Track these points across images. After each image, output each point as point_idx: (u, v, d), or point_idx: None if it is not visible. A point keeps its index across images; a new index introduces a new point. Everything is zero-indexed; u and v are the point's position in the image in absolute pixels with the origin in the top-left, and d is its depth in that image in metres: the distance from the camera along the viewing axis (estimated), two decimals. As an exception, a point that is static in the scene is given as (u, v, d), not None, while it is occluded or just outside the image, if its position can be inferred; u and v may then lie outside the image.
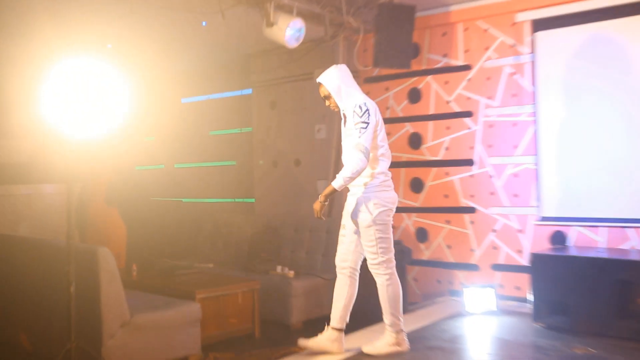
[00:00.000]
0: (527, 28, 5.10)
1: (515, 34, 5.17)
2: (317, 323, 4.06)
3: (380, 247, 3.64)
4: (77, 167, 3.44)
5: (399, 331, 3.73)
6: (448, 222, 5.53)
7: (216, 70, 7.31)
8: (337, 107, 3.79)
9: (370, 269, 3.72)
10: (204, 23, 5.21)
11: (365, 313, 4.17)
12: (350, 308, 3.81)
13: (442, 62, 5.59)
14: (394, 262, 3.71)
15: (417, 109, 5.74)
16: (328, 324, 3.82)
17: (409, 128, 5.80)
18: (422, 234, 5.69)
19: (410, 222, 5.76)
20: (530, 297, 4.53)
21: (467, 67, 5.44)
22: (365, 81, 6.07)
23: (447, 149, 5.55)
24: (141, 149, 8.04)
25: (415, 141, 5.75)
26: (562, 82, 4.95)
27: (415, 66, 5.64)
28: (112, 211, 6.01)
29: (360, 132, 3.56)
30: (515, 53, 5.17)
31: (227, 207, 7.26)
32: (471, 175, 5.40)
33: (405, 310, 4.87)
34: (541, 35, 5.04)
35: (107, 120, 3.32)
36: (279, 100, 6.56)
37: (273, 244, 5.77)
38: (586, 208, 4.81)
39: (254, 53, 6.65)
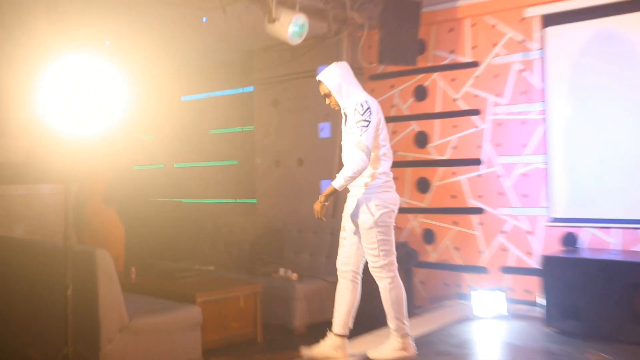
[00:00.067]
0: (537, 23, 5.07)
1: (524, 30, 5.14)
2: (321, 327, 4.04)
3: (382, 250, 3.61)
4: (75, 166, 3.43)
5: (404, 335, 3.70)
6: (455, 223, 5.50)
7: (217, 68, 7.30)
8: (338, 105, 3.77)
9: (371, 273, 3.69)
10: (204, 19, 5.20)
11: (370, 316, 4.15)
12: (354, 314, 3.78)
13: (449, 59, 5.56)
14: (396, 265, 3.68)
15: (423, 107, 5.71)
16: (330, 330, 3.79)
17: (414, 127, 5.77)
18: (428, 236, 5.67)
19: (417, 223, 5.74)
20: (541, 300, 4.50)
21: (474, 64, 5.42)
22: (369, 78, 6.05)
23: (454, 148, 5.53)
24: (140, 148, 8.02)
25: (422, 140, 5.72)
26: (573, 79, 4.92)
27: (421, 63, 5.62)
28: (110, 212, 6.01)
29: (361, 130, 3.53)
30: (524, 49, 5.14)
31: (228, 207, 7.25)
32: (479, 175, 5.38)
33: (412, 314, 4.85)
34: (551, 30, 5.01)
35: (105, 119, 3.31)
36: (281, 98, 6.54)
37: (275, 245, 5.75)
38: (598, 208, 4.78)
39: (255, 50, 6.64)
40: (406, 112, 5.83)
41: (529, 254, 5.08)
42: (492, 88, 5.31)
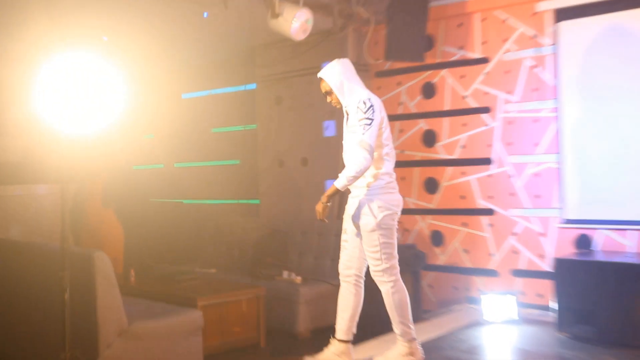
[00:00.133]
0: (549, 18, 5.06)
1: (536, 24, 5.13)
2: (327, 332, 4.04)
3: (384, 253, 3.61)
4: (72, 166, 3.44)
5: (411, 340, 3.70)
6: (465, 224, 5.50)
7: (218, 64, 7.31)
8: (339, 103, 3.77)
9: (373, 277, 3.68)
10: (205, 14, 5.21)
11: (376, 321, 4.14)
12: (357, 318, 3.78)
13: (458, 55, 5.56)
14: (397, 269, 3.68)
15: (432, 105, 5.71)
16: (333, 337, 3.79)
17: (422, 125, 5.77)
18: (437, 238, 5.67)
19: (425, 224, 5.74)
20: (554, 305, 4.49)
21: (484, 60, 5.41)
22: (376, 75, 6.06)
23: (463, 147, 5.53)
24: (139, 147, 8.05)
25: (430, 139, 5.72)
26: (587, 75, 4.91)
27: (429, 59, 5.62)
28: (108, 213, 6.03)
29: (364, 128, 3.53)
30: (536, 45, 5.13)
31: (230, 208, 7.27)
32: (489, 175, 5.37)
33: (420, 319, 4.87)
34: (564, 25, 5.00)
35: (103, 117, 3.32)
36: (285, 96, 6.55)
37: (279, 248, 5.76)
38: (613, 209, 4.77)
39: (258, 46, 6.65)
40: (414, 110, 5.83)
41: (541, 256, 5.07)
42: (502, 85, 5.31)
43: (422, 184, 5.76)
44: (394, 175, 3.73)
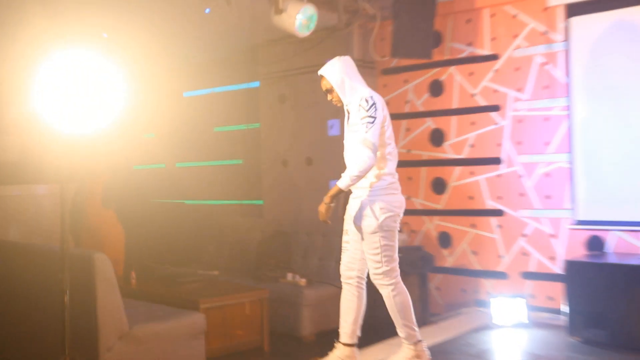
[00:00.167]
0: (561, 13, 5.05)
1: (547, 20, 5.12)
2: (331, 335, 4.04)
3: (384, 256, 3.60)
4: (72, 166, 3.45)
5: (417, 342, 3.69)
6: (473, 226, 5.49)
7: (221, 62, 7.32)
8: (340, 101, 3.76)
9: (372, 280, 3.67)
10: (207, 10, 5.22)
11: (382, 324, 4.14)
12: (361, 321, 3.77)
13: (467, 52, 5.55)
14: (398, 271, 3.66)
15: (439, 103, 5.71)
16: (338, 341, 3.79)
17: (430, 123, 5.77)
18: (445, 239, 5.66)
19: (432, 226, 5.73)
20: (565, 308, 4.49)
21: (494, 57, 5.40)
22: (382, 73, 6.05)
23: (472, 146, 5.52)
24: (140, 146, 8.07)
25: (438, 138, 5.71)
26: (599, 72, 4.89)
27: (437, 56, 5.61)
28: (109, 214, 6.03)
29: (367, 127, 3.52)
30: (547, 41, 5.12)
31: (233, 209, 7.27)
32: (498, 175, 5.36)
33: (427, 322, 4.87)
34: (576, 21, 4.98)
35: (103, 116, 3.33)
36: (289, 94, 6.55)
37: (283, 249, 5.76)
38: (626, 210, 4.75)
39: (261, 43, 6.65)
40: (421, 108, 5.82)
41: (552, 258, 5.06)
42: (512, 82, 5.30)
43: (429, 184, 5.75)
44: (397, 176, 3.72)
